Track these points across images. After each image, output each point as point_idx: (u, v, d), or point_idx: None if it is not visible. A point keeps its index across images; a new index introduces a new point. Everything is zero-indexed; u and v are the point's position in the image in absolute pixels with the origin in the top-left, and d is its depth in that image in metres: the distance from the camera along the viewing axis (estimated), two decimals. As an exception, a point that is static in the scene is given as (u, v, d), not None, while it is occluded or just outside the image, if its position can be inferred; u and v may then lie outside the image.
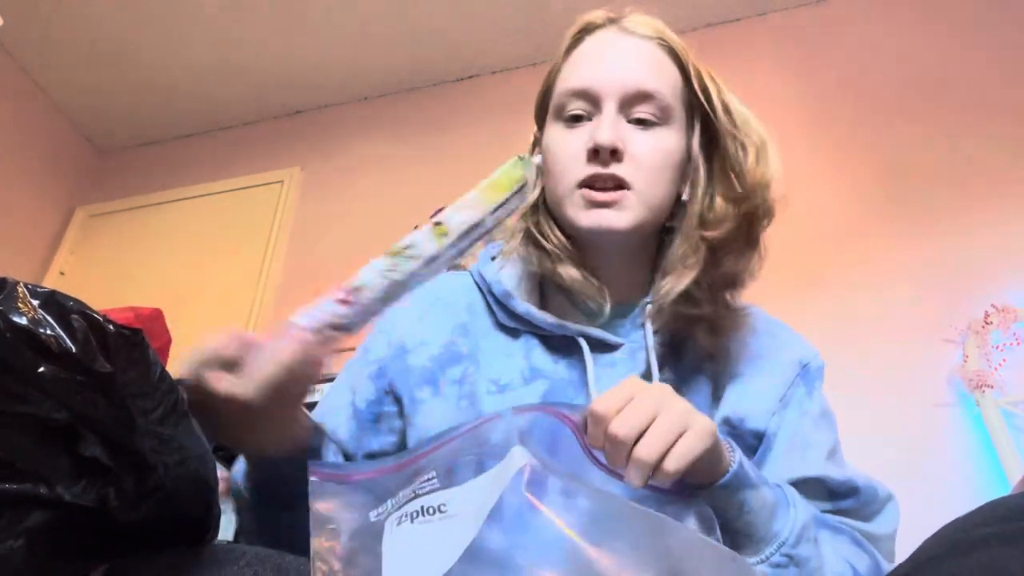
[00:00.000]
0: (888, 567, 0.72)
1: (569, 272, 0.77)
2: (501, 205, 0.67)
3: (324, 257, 2.73)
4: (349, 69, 2.99)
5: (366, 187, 2.87)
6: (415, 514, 0.51)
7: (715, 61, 0.80)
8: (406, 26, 2.82)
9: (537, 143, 0.87)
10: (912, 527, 0.70)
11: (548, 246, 0.78)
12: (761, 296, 0.88)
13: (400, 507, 0.53)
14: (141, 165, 3.26)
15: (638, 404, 0.55)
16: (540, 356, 0.78)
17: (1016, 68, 2.34)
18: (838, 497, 0.73)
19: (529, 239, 0.81)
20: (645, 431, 0.53)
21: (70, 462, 0.40)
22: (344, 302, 0.59)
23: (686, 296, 0.74)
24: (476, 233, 0.66)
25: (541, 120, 0.86)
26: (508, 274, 0.82)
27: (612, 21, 0.82)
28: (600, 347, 0.77)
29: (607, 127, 0.73)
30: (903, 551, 0.56)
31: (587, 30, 0.83)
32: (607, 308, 0.76)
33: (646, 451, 0.52)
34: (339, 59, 2.95)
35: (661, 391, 0.57)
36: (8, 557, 0.38)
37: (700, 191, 0.77)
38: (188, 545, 0.44)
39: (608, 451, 0.54)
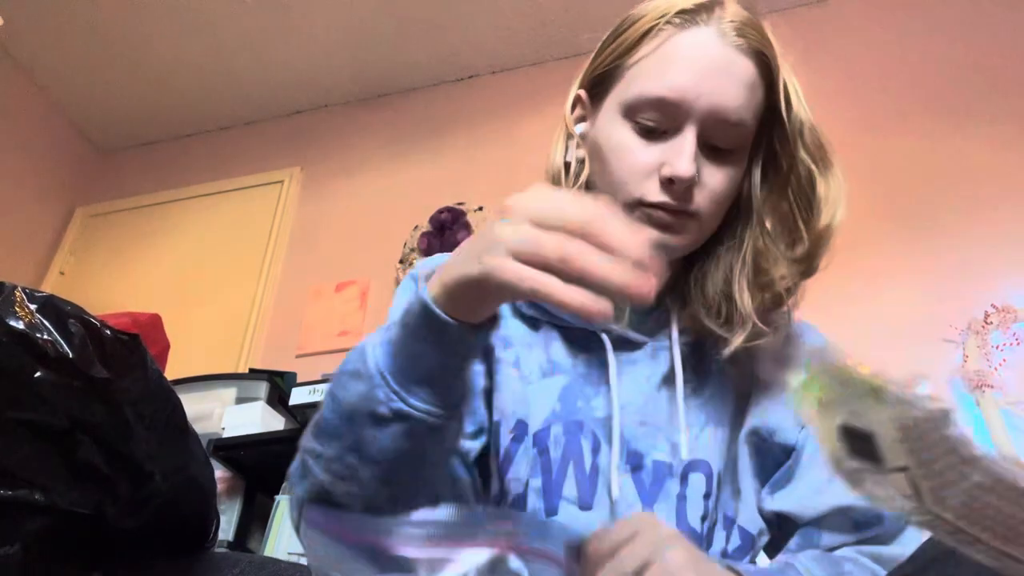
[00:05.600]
0: None
1: None
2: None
3: (324, 257, 2.72)
4: (349, 69, 2.99)
5: (366, 187, 2.86)
6: None
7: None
8: (406, 26, 2.82)
9: (580, 103, 0.78)
10: (912, 528, 0.70)
11: None
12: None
13: None
14: (141, 165, 3.25)
15: (632, 549, 0.53)
16: (559, 349, 0.75)
17: (1017, 68, 2.33)
18: (862, 527, 0.71)
19: None
20: None
21: (66, 468, 0.40)
22: None
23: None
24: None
25: (596, 91, 0.76)
26: None
27: (710, 14, 0.72)
28: (622, 344, 0.74)
29: (688, 159, 0.67)
30: (902, 552, 0.55)
31: (682, 22, 0.72)
32: (627, 312, 0.74)
33: None
34: (339, 59, 2.95)
35: (660, 536, 0.54)
36: (4, 563, 0.38)
37: (754, 228, 0.74)
38: (186, 552, 0.44)
39: None
